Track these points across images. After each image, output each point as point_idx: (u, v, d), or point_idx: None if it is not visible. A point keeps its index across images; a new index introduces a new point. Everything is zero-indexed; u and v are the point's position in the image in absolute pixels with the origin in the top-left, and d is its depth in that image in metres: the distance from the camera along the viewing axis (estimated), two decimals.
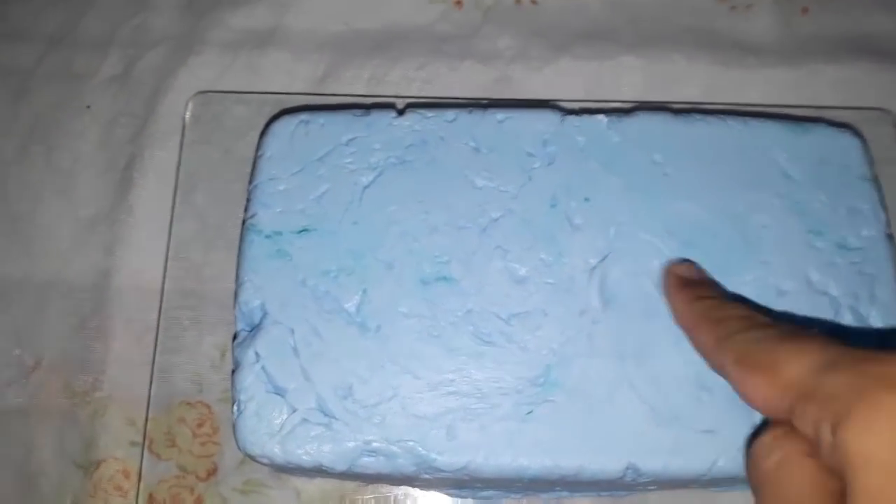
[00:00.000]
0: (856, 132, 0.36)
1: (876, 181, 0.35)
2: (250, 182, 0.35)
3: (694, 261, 0.32)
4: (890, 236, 0.34)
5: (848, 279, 0.33)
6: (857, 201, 0.34)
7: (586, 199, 0.34)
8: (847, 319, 0.32)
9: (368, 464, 0.31)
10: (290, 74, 0.44)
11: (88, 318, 0.40)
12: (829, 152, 0.35)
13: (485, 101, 0.37)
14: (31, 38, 0.45)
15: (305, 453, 0.30)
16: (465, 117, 0.35)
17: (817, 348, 0.21)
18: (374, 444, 0.30)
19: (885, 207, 0.34)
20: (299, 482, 0.37)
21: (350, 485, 0.37)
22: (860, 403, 0.18)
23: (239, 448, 0.31)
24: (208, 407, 0.38)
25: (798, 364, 0.21)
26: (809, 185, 0.34)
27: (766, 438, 0.21)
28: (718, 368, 0.25)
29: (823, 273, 0.33)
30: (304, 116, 0.35)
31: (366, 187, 0.34)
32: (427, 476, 0.31)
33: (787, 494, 0.20)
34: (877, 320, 0.32)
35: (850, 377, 0.19)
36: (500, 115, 0.35)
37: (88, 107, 0.44)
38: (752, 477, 0.21)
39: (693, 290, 0.29)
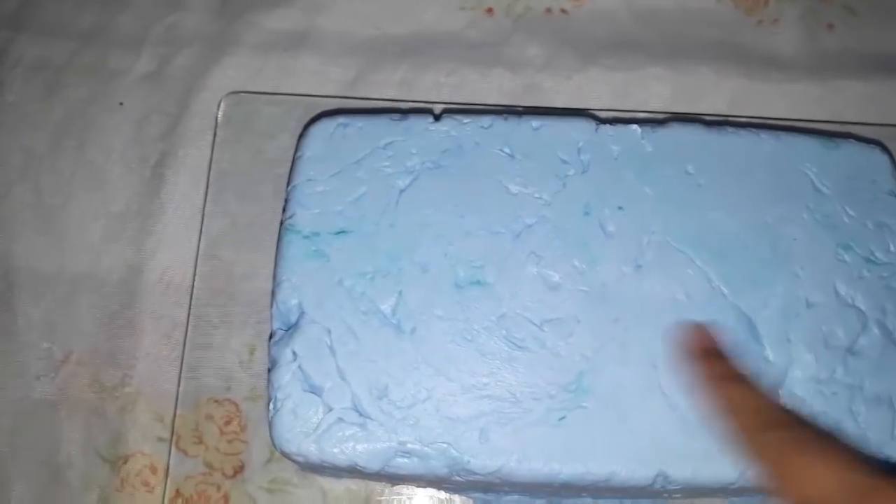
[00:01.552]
0: (884, 149, 0.37)
1: None
2: (289, 183, 0.35)
3: (705, 325, 0.32)
4: None
5: (876, 293, 0.33)
6: (885, 217, 0.35)
7: (620, 208, 0.34)
8: (874, 333, 0.33)
9: (402, 465, 0.31)
10: (322, 77, 0.44)
11: (118, 314, 0.40)
12: (858, 168, 0.36)
13: (519, 109, 0.38)
14: (66, 34, 0.46)
15: (341, 452, 0.31)
16: (500, 124, 0.36)
17: (834, 473, 0.25)
18: (409, 446, 0.31)
19: None
20: (326, 482, 0.38)
21: (376, 486, 0.37)
22: None
23: (274, 445, 0.31)
24: (236, 405, 0.39)
25: (818, 487, 0.25)
26: (838, 199, 0.35)
27: None
28: (752, 457, 0.28)
29: (852, 286, 0.33)
30: (342, 119, 0.36)
31: (402, 191, 0.34)
32: (458, 478, 0.32)
33: None
34: None
35: None
36: (534, 122, 0.36)
37: (121, 103, 0.44)
38: None
39: (715, 365, 0.31)
